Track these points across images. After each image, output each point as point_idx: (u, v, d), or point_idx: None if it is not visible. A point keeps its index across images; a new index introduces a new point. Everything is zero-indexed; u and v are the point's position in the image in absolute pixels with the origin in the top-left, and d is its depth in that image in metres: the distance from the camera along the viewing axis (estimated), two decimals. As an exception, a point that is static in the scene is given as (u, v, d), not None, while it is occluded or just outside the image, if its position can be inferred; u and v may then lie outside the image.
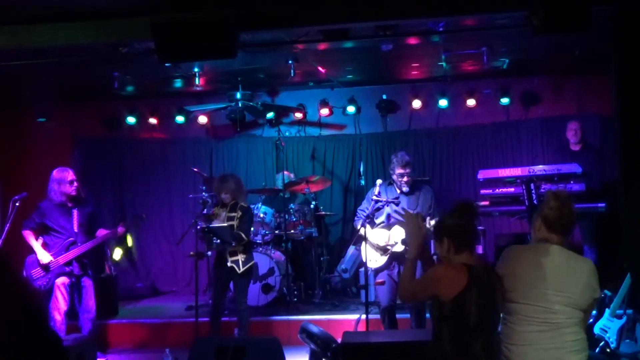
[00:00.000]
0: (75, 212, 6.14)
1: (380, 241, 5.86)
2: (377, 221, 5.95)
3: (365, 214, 5.83)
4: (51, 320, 5.93)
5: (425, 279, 3.23)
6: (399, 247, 5.81)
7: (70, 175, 6.13)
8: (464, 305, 2.95)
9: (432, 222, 5.77)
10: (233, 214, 6.19)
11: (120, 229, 6.30)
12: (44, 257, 5.96)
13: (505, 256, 3.30)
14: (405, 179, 5.86)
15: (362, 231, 5.76)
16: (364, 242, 5.86)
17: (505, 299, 3.15)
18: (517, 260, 3.23)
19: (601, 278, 3.25)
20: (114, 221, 7.93)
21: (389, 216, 5.93)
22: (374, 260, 5.91)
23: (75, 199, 6.17)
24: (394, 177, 5.92)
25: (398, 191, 5.96)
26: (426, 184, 6.50)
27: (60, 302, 5.97)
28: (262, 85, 8.82)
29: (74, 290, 6.12)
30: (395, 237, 5.83)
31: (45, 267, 5.96)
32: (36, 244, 6.01)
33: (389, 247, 5.84)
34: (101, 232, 6.25)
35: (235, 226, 6.11)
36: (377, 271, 5.95)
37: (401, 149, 6.94)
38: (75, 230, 6.10)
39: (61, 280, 6.00)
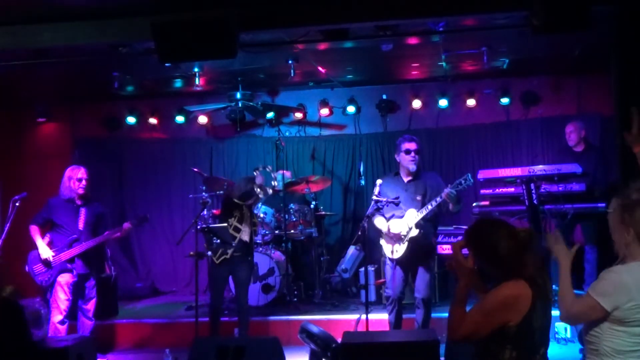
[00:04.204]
0: (83, 211, 6.17)
1: (399, 230, 5.78)
2: (388, 215, 5.91)
3: (367, 213, 5.83)
4: (50, 319, 5.93)
5: (491, 308, 2.77)
6: (415, 232, 5.76)
7: (80, 172, 6.16)
8: (531, 323, 2.71)
9: (446, 191, 5.61)
10: (254, 220, 6.45)
11: (126, 225, 6.32)
12: (45, 252, 5.98)
13: (621, 284, 2.88)
14: (412, 155, 5.79)
15: (378, 222, 5.79)
16: (382, 237, 5.86)
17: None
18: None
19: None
20: (114, 221, 7.91)
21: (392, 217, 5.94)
22: (395, 251, 5.83)
23: (83, 197, 6.18)
24: (401, 156, 5.84)
25: (405, 179, 5.89)
26: (430, 171, 6.44)
27: (61, 301, 5.97)
28: (262, 85, 8.81)
29: (78, 290, 6.13)
30: (410, 222, 5.75)
31: (47, 263, 5.97)
32: (39, 240, 6.04)
33: (403, 236, 5.77)
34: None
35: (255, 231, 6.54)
36: (399, 262, 5.85)
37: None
38: (81, 228, 6.12)
39: (64, 278, 6.00)
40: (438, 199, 5.66)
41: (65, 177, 6.17)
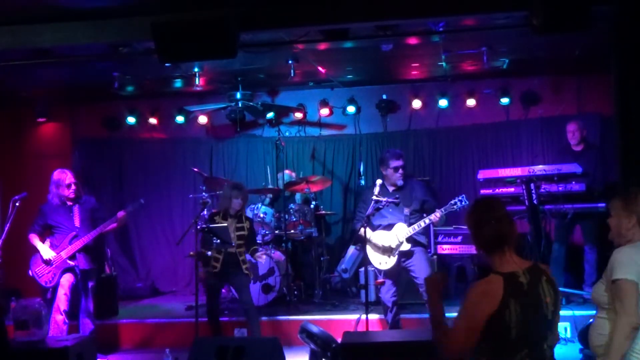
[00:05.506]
0: (76, 209, 6.20)
1: (389, 242, 5.86)
2: (376, 224, 5.94)
3: (363, 215, 5.83)
4: (51, 319, 5.94)
5: (467, 312, 2.68)
6: (406, 246, 5.84)
7: (68, 178, 6.15)
8: (503, 319, 2.61)
9: (438, 215, 5.78)
10: (242, 224, 6.32)
11: (121, 214, 6.33)
12: (46, 253, 6.00)
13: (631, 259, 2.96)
14: (400, 171, 5.94)
15: (362, 232, 5.77)
16: (367, 246, 5.87)
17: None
18: None
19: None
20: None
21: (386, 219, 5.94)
22: (383, 262, 5.91)
23: (74, 199, 6.20)
24: (388, 171, 5.97)
25: (390, 189, 5.99)
26: (414, 178, 6.55)
27: (61, 302, 5.99)
28: (262, 85, 8.81)
29: (80, 289, 6.15)
30: (400, 236, 5.84)
31: (49, 262, 5.99)
32: (39, 244, 6.06)
33: (393, 249, 5.85)
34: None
35: (246, 236, 6.28)
36: (388, 273, 5.94)
37: (401, 149, 6.96)
38: (77, 225, 6.14)
39: (66, 278, 6.03)
40: (427, 221, 5.80)
41: (53, 184, 6.16)
